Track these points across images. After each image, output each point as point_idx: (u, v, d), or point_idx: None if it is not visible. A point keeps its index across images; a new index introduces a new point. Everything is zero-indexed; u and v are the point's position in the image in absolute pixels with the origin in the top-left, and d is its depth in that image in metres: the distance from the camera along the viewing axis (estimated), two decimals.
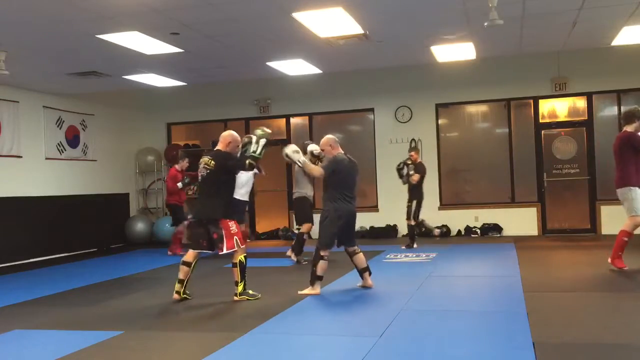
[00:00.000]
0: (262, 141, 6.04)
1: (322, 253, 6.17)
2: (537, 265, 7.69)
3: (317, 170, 6.40)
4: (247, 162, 5.98)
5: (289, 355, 4.25)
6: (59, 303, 6.46)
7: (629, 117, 7.06)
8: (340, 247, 6.45)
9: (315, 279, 6.23)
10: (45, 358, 4.30)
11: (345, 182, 6.26)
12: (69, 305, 6.33)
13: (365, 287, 6.45)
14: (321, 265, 6.17)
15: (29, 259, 10.34)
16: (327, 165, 6.33)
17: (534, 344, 4.11)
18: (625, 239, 6.86)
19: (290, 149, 6.37)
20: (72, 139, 11.72)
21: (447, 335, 4.55)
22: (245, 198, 10.45)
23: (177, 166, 10.46)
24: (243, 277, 6.07)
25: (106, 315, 5.72)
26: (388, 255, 9.11)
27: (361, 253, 6.45)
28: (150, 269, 8.82)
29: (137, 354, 4.41)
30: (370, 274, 6.48)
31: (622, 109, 11.21)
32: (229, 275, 8.06)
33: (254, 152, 6.01)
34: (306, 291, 6.18)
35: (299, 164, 6.43)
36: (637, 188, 6.85)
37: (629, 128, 7.00)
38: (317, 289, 6.21)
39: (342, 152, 6.43)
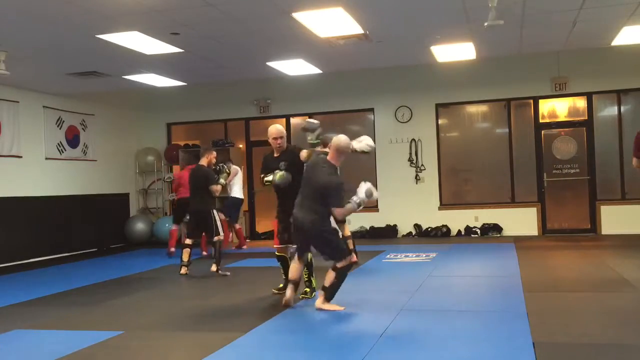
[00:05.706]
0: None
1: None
2: (537, 265, 7.68)
3: None
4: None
5: (289, 355, 4.25)
6: (59, 303, 6.45)
7: None
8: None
9: (286, 282, 5.91)
10: (45, 358, 4.30)
11: (302, 183, 5.71)
12: (69, 305, 6.33)
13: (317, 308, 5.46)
14: (290, 267, 5.72)
15: (29, 259, 10.33)
16: None
17: (534, 344, 4.11)
18: None
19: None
20: (72, 139, 11.72)
21: (447, 335, 4.55)
22: (239, 195, 10.36)
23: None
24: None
25: (106, 315, 5.72)
26: (388, 255, 9.10)
27: (332, 272, 5.41)
28: (150, 269, 8.82)
29: (137, 354, 4.41)
30: (325, 298, 5.43)
31: (622, 109, 11.24)
32: (229, 276, 8.07)
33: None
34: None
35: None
36: None
37: None
38: (288, 293, 5.59)
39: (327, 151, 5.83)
